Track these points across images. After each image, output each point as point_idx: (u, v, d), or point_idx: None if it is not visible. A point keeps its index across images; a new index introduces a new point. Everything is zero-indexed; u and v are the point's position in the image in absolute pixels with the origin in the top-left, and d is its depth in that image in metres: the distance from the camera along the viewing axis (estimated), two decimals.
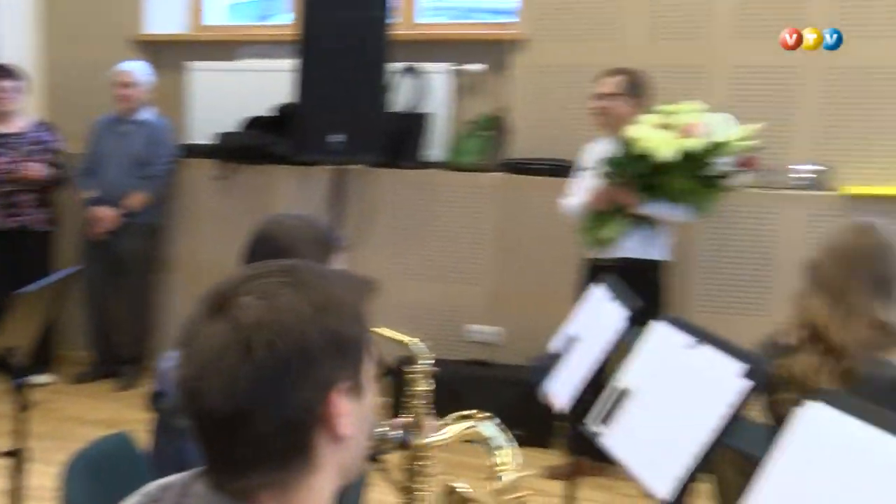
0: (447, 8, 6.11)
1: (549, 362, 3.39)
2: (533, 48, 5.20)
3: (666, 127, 4.15)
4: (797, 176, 4.77)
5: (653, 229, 4.38)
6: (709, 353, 2.60)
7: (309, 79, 4.88)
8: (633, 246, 4.35)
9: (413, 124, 5.32)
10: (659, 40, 4.95)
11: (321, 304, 1.20)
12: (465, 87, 5.42)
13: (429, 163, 5.40)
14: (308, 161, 5.22)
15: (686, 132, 4.10)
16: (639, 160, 4.17)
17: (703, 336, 2.68)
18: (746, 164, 4.28)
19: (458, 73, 5.40)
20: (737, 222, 4.79)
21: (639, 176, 4.20)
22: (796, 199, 4.75)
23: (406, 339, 2.62)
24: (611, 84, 4.48)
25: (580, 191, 4.51)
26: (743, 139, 4.16)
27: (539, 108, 5.15)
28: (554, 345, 3.46)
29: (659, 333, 2.84)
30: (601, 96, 4.48)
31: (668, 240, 4.45)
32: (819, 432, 2.03)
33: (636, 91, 4.47)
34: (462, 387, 4.83)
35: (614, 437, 2.73)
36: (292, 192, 5.53)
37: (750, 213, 4.78)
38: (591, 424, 2.85)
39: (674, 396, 2.60)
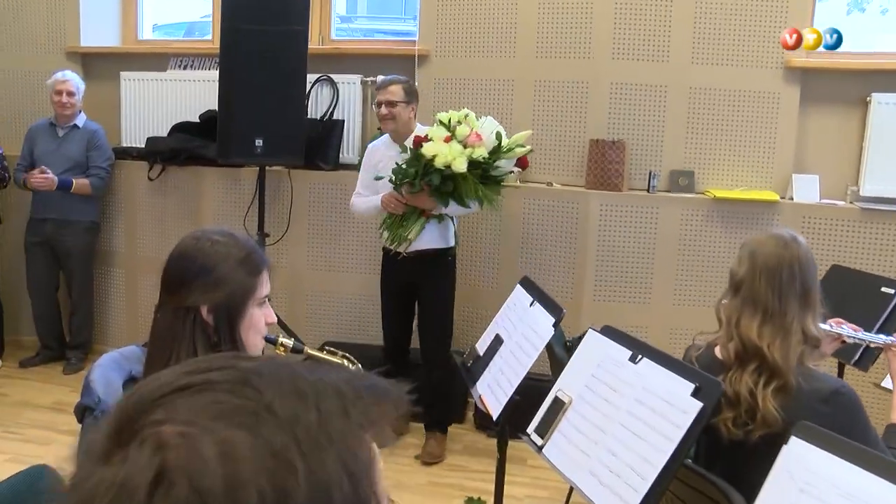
0: (356, 28, 5.32)
1: (477, 362, 2.77)
2: (432, 63, 4.52)
3: (452, 138, 3.67)
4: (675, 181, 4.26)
5: (442, 223, 3.89)
6: (652, 368, 2.02)
7: (232, 88, 4.11)
8: (429, 238, 3.87)
9: (329, 130, 4.58)
10: (545, 57, 4.31)
11: (308, 454, 0.55)
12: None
13: (344, 164, 4.67)
14: (234, 163, 4.43)
15: (471, 142, 3.64)
16: (435, 172, 3.66)
17: (642, 349, 2.10)
18: (522, 164, 3.83)
19: (369, 84, 4.68)
20: (623, 222, 4.23)
21: (436, 185, 3.68)
22: (672, 201, 4.22)
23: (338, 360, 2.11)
24: (394, 92, 3.90)
25: (368, 191, 4.01)
26: (518, 144, 3.75)
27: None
28: (481, 345, 2.84)
29: (596, 344, 2.25)
30: (390, 103, 3.89)
31: (454, 229, 3.96)
32: (802, 469, 1.48)
33: (412, 98, 3.94)
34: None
35: (557, 450, 2.13)
36: (220, 192, 4.75)
37: (633, 213, 4.23)
38: (531, 434, 2.24)
39: (621, 413, 2.01)
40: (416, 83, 4.52)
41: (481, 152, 3.64)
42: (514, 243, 4.40)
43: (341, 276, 4.65)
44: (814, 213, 4.14)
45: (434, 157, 3.60)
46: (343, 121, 4.62)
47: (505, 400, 2.45)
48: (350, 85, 4.65)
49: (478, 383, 2.68)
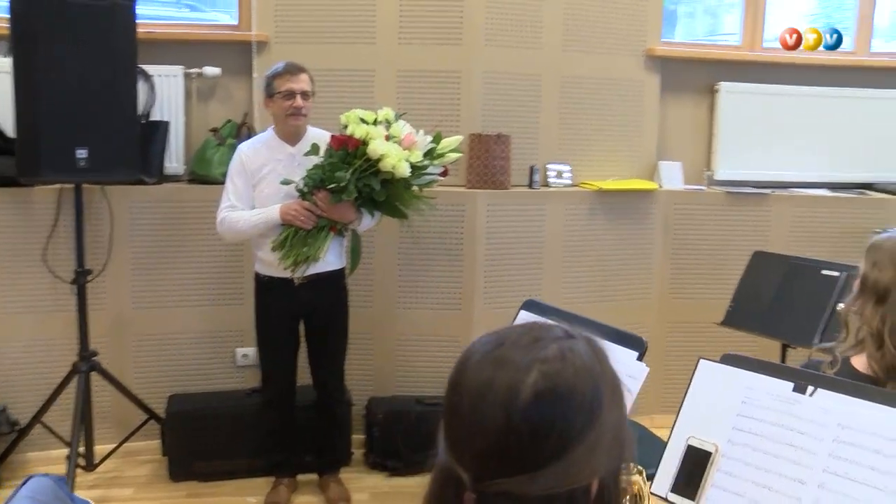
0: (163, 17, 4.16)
1: None
2: (272, 51, 3.76)
3: (388, 139, 3.05)
4: (553, 175, 3.92)
5: (341, 240, 3.26)
6: (838, 400, 1.63)
7: (36, 80, 2.99)
8: (329, 258, 3.17)
9: (149, 134, 3.59)
10: (410, 44, 3.74)
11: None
12: (202, 93, 3.79)
13: (169, 176, 3.71)
14: (45, 182, 3.28)
15: (406, 144, 3.05)
16: (373, 176, 2.99)
17: (807, 378, 1.70)
18: (444, 172, 3.28)
19: (193, 78, 3.75)
20: (512, 222, 3.82)
21: (370, 192, 3.01)
22: (557, 196, 3.90)
23: None
24: (307, 81, 3.17)
25: (243, 203, 3.17)
26: (452, 149, 3.21)
27: None
28: None
29: (720, 378, 1.81)
30: (305, 94, 3.14)
31: (346, 245, 3.33)
32: None
33: (314, 90, 3.25)
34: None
35: None
36: (3, 219, 3.50)
37: (521, 212, 3.84)
38: (668, 496, 1.75)
39: (820, 458, 1.60)
40: (255, 75, 3.76)
41: (417, 156, 3.02)
42: (389, 255, 3.79)
43: (179, 312, 3.70)
44: (684, 199, 4.08)
45: (380, 158, 2.90)
46: (167, 122, 3.64)
47: None
48: (170, 78, 3.68)
49: None
